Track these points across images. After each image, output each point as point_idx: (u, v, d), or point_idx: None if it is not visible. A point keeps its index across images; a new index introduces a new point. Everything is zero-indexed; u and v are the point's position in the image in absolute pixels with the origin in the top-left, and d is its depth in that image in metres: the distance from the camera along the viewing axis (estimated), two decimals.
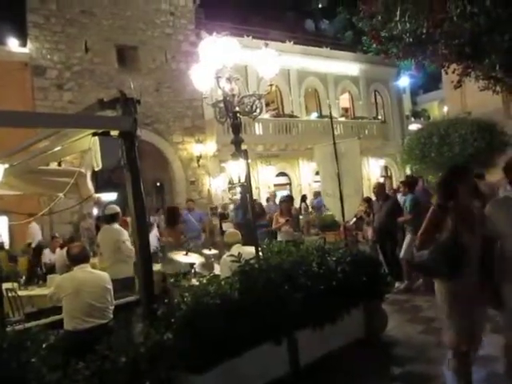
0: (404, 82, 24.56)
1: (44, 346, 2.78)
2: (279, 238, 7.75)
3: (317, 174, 11.30)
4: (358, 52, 20.86)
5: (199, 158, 15.43)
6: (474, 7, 5.90)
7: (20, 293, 5.15)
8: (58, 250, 8.30)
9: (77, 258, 3.99)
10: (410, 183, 7.87)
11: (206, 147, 15.61)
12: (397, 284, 6.82)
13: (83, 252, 4.08)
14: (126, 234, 5.62)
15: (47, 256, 8.39)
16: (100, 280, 3.97)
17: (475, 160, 12.86)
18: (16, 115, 3.35)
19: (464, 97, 13.91)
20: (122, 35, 14.18)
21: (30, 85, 12.70)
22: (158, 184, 15.94)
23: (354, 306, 4.64)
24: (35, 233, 9.21)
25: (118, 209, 5.82)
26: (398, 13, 6.57)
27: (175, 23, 15.48)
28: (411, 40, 7.02)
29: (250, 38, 16.15)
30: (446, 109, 24.02)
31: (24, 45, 12.83)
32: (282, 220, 8.06)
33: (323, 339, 4.24)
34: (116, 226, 5.69)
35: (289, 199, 8.91)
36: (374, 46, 8.29)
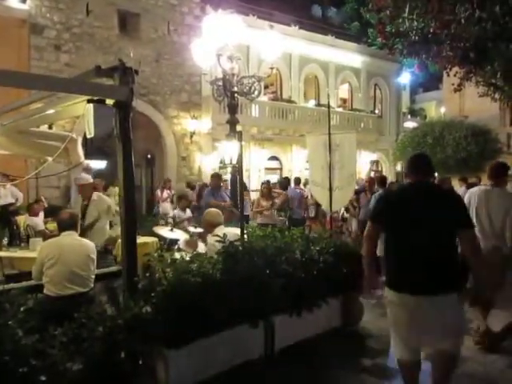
0: (405, 78, 24.50)
1: (22, 309, 2.78)
2: (258, 221, 7.69)
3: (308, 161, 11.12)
4: (362, 44, 20.73)
5: (193, 134, 15.29)
6: (483, 12, 5.87)
7: (1, 253, 5.11)
8: (41, 213, 8.24)
9: (64, 224, 3.97)
10: (382, 179, 7.82)
11: (201, 124, 15.46)
12: None
13: (71, 219, 4.05)
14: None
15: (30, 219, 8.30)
16: (85, 248, 3.96)
17: (466, 164, 13.00)
18: (12, 75, 3.26)
19: (462, 100, 13.95)
20: (125, 0, 13.85)
21: (27, 43, 12.35)
22: (149, 156, 15.81)
23: (332, 296, 4.72)
24: (8, 194, 9.02)
25: None
26: (407, 9, 6.52)
27: None
28: (417, 38, 6.97)
29: (255, 17, 15.91)
30: (443, 110, 24.10)
31: (24, 1, 12.46)
32: (264, 203, 8.01)
33: (300, 326, 4.31)
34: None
35: (268, 183, 8.61)
36: (380, 39, 8.24)
